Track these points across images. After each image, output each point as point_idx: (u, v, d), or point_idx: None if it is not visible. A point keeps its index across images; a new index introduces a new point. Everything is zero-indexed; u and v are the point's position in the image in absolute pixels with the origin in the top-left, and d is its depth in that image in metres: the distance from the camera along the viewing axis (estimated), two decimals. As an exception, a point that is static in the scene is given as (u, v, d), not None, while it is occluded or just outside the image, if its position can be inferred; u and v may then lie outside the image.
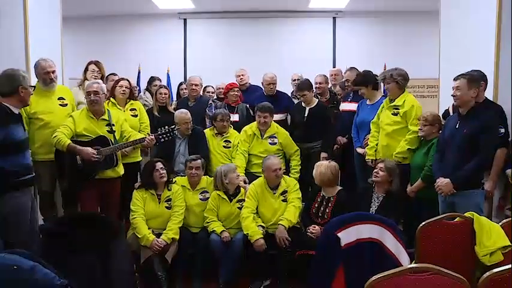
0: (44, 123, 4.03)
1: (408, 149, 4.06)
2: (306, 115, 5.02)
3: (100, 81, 4.28)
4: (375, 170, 3.93)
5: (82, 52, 6.55)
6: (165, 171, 4.09)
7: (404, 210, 3.81)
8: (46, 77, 4.06)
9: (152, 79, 6.15)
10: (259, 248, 3.84)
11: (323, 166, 4.05)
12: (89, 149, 3.78)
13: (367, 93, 4.63)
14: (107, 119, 4.00)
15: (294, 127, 4.88)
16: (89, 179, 3.87)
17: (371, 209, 3.88)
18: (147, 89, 6.41)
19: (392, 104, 4.24)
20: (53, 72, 4.11)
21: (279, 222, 3.95)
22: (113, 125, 4.01)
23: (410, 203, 3.94)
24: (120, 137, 4.05)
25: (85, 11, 7.75)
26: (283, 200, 4.13)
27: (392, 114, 4.21)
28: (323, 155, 4.88)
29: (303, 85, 5.05)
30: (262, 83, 5.55)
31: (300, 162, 4.75)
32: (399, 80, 4.20)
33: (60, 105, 4.17)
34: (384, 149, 4.26)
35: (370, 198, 3.94)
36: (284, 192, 4.15)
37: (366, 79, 4.65)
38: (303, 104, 5.09)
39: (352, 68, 5.29)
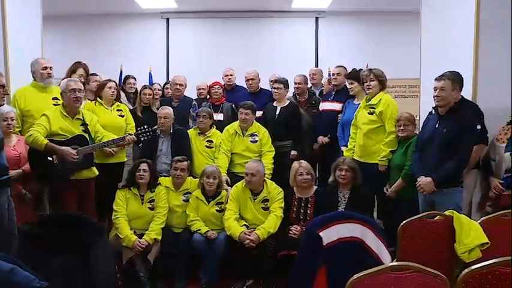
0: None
1: (390, 151, 4.09)
2: (277, 113, 5.04)
3: (77, 79, 4.25)
4: (341, 173, 3.94)
5: (63, 51, 6.47)
6: (147, 173, 4.06)
7: (383, 209, 3.84)
8: (44, 72, 4.19)
9: (126, 77, 6.05)
10: (244, 240, 3.79)
11: (302, 168, 4.04)
12: (69, 149, 3.70)
13: (357, 90, 4.62)
14: (81, 118, 3.93)
15: (266, 125, 4.90)
16: (66, 179, 3.78)
17: (339, 208, 3.90)
18: (121, 88, 6.30)
19: (368, 103, 4.26)
20: (50, 68, 4.24)
21: (255, 231, 3.86)
22: (87, 124, 3.93)
23: (389, 202, 3.98)
24: (94, 137, 3.96)
25: (66, 9, 7.63)
26: (263, 208, 4.07)
27: (368, 113, 4.24)
28: (293, 153, 4.90)
29: (281, 78, 5.18)
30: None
31: (272, 161, 4.66)
32: (383, 80, 4.23)
33: (54, 105, 4.16)
34: (361, 148, 4.29)
35: (337, 198, 3.96)
36: (265, 200, 4.08)
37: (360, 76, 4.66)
38: (274, 103, 5.11)
39: (342, 66, 5.27)
